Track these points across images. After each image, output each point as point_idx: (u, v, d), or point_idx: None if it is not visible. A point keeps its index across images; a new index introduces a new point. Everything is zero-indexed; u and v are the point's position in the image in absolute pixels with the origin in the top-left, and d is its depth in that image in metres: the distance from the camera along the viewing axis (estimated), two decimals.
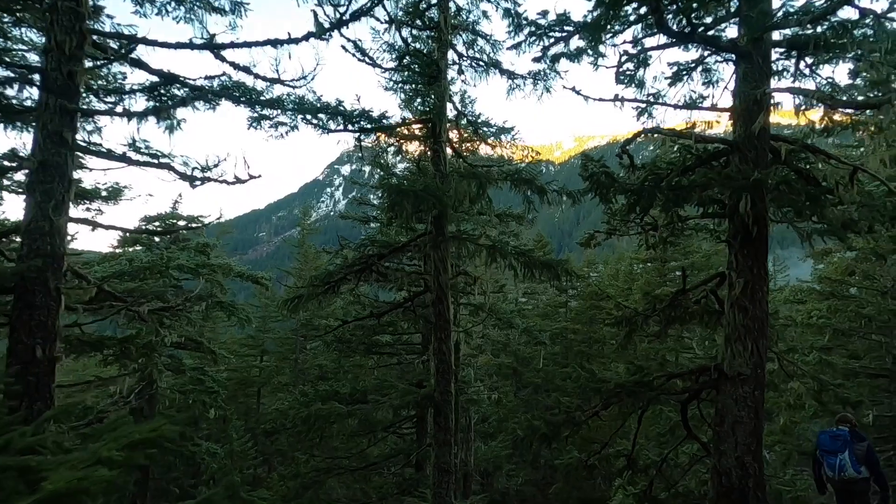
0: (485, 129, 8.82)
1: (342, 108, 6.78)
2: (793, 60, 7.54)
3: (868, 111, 6.04)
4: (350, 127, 7.14)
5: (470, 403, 16.53)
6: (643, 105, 7.80)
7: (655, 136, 7.24)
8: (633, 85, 7.57)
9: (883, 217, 6.96)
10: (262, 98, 6.68)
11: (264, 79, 5.63)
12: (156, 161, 5.51)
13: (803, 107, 7.69)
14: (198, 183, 6.27)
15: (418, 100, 7.98)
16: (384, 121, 7.48)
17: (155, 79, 5.81)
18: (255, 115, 6.92)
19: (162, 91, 5.58)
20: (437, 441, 7.79)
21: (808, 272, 22.00)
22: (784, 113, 7.25)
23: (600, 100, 7.42)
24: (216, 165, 6.26)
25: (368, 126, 7.43)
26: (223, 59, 5.31)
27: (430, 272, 8.01)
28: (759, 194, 6.62)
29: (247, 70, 5.36)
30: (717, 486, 7.04)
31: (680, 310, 7.85)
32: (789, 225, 7.06)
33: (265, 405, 28.89)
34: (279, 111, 7.01)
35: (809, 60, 7.35)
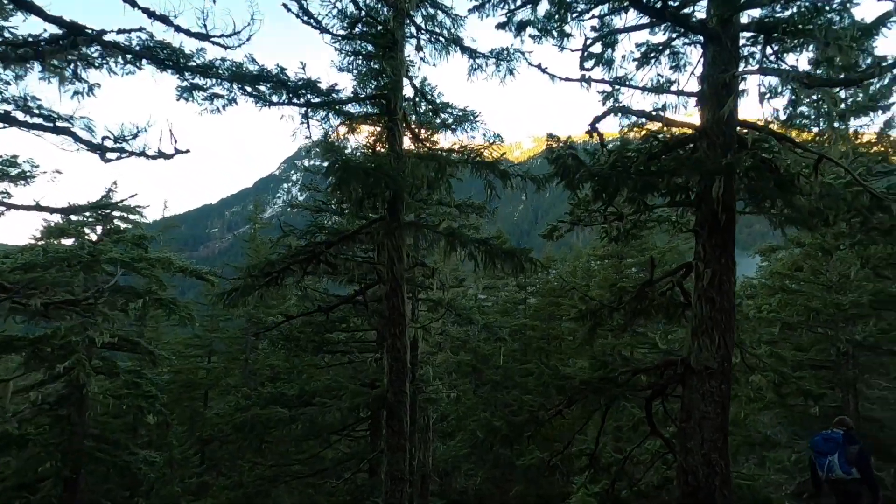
0: (446, 112, 8.25)
1: (285, 78, 6.04)
2: (759, 47, 7.38)
3: (845, 89, 5.88)
4: (295, 100, 6.40)
5: (428, 402, 15.97)
6: (610, 88, 7.45)
7: (623, 119, 6.89)
8: (601, 63, 7.19)
9: (844, 207, 6.90)
10: (191, 63, 5.84)
11: (188, 33, 4.82)
12: (51, 125, 4.58)
13: (769, 95, 7.57)
14: (112, 157, 5.38)
15: (372, 75, 7.28)
16: (333, 94, 6.75)
17: (56, 30, 4.88)
18: (186, 83, 6.06)
19: (65, 42, 4.66)
20: (390, 446, 7.15)
21: (753, 270, 22.75)
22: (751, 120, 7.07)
23: (567, 79, 7.00)
24: (134, 136, 5.38)
25: (316, 100, 6.69)
26: (134, 4, 4.47)
27: (384, 262, 7.38)
28: (729, 180, 6.39)
29: (165, 20, 4.54)
30: (683, 485, 6.77)
31: (645, 302, 7.56)
32: (764, 213, 6.86)
33: (213, 408, 27.26)
34: (213, 80, 6.19)
35: (776, 47, 7.19)
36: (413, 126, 8.03)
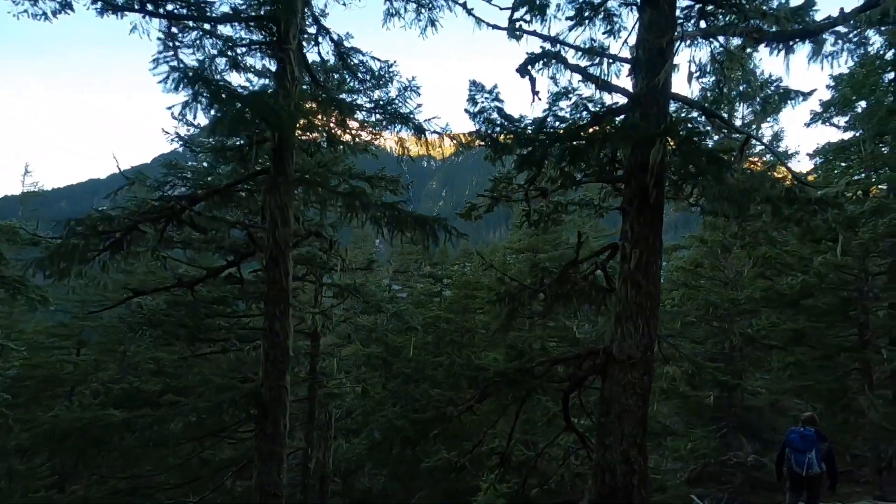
0: (355, 58, 6.99)
1: None
2: (693, 21, 6.99)
3: (797, 43, 5.51)
4: (150, 6, 4.82)
5: (330, 398, 14.55)
6: (541, 45, 6.65)
7: (555, 70, 6.11)
8: (533, 12, 6.35)
9: (766, 190, 6.71)
10: None
11: None
12: None
13: (698, 73, 7.22)
14: None
15: None
16: (205, 6, 5.22)
17: None
18: None
19: None
20: (262, 454, 5.77)
21: None
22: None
23: (495, 27, 6.10)
24: None
25: (181, 11, 5.14)
26: None
27: (266, 226, 6.00)
28: (664, 150, 5.83)
29: None
30: (600, 484, 6.18)
31: (567, 286, 6.90)
32: (696, 188, 6.42)
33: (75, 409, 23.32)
34: None
35: (710, 22, 6.82)
36: (314, 70, 6.67)
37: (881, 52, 14.43)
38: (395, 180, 9.17)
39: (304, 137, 7.24)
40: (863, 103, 13.55)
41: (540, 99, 6.48)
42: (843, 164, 14.14)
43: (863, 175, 11.28)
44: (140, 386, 7.61)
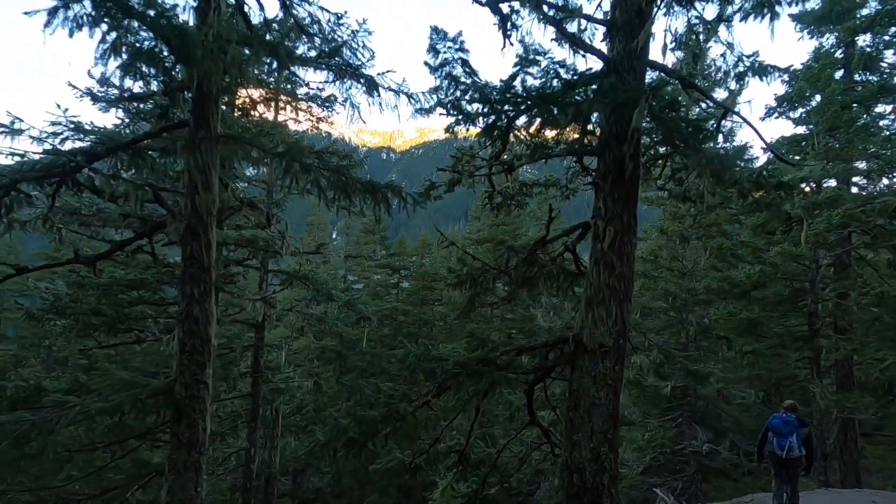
0: (303, 8, 6.07)
1: None
2: None
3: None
4: None
5: (277, 394, 13.51)
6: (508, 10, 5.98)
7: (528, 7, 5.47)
8: None
9: (739, 169, 6.40)
10: None
11: None
12: None
13: (674, 45, 6.78)
14: None
15: None
16: None
17: None
18: None
19: None
20: (174, 465, 4.84)
21: None
22: None
23: None
24: None
25: None
26: None
27: (184, 190, 5.06)
28: (641, 117, 5.31)
29: None
30: (567, 485, 5.65)
31: (535, 269, 6.31)
32: (672, 161, 5.96)
33: None
34: None
35: None
36: (249, 16, 5.69)
37: (832, 50, 14.77)
38: (347, 156, 8.30)
39: (239, 99, 6.28)
40: (818, 97, 13.75)
41: (512, 44, 5.84)
42: (796, 158, 14.35)
43: (816, 167, 11.37)
44: (41, 384, 6.45)
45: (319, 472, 19.61)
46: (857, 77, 14.72)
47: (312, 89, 8.28)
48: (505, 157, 7.47)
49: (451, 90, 5.46)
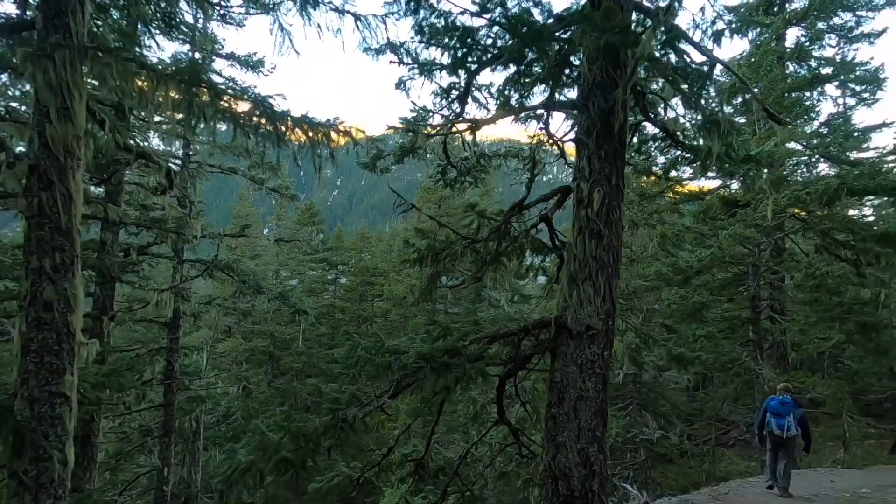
0: None
1: None
2: None
3: None
4: None
5: (196, 402, 11.73)
6: None
7: None
8: None
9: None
10: None
11: None
12: None
13: None
14: None
15: None
16: None
17: None
18: None
19: None
20: None
21: None
22: None
23: None
24: None
25: None
26: None
27: (32, 122, 3.59)
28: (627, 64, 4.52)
29: None
30: (551, 494, 4.77)
31: (507, 242, 5.37)
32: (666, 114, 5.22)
33: None
34: None
35: None
36: None
37: (770, 41, 15.16)
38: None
39: None
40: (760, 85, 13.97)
41: None
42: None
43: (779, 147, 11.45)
44: None
45: (249, 488, 17.66)
46: (790, 67, 15.22)
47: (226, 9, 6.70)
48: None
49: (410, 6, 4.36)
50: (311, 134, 4.21)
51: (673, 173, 14.31)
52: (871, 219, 17.65)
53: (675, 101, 6.90)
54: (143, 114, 8.99)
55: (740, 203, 14.09)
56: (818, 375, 13.74)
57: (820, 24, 15.02)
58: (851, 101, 16.48)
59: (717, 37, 6.51)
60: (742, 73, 14.36)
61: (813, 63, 14.84)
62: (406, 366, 4.56)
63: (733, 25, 6.43)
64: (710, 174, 17.05)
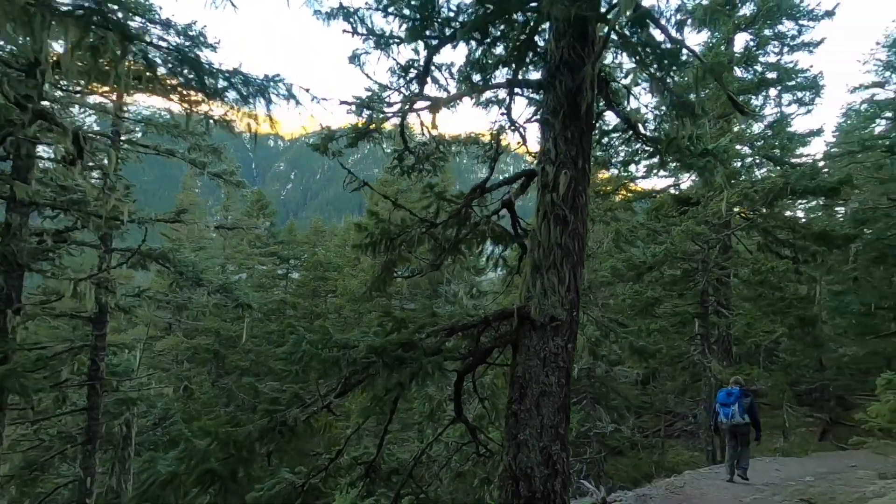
0: None
1: None
2: None
3: None
4: None
5: (125, 405, 10.72)
6: None
7: None
8: None
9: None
10: None
11: None
12: None
13: None
14: None
15: None
16: None
17: None
18: None
19: None
20: None
21: None
22: None
23: None
24: None
25: None
26: None
27: None
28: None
29: None
30: (513, 496, 4.47)
31: (468, 228, 5.03)
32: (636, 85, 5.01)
33: None
34: None
35: None
36: None
37: (720, 44, 15.62)
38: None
39: None
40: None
41: None
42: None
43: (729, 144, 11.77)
44: None
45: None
46: (737, 71, 15.74)
47: None
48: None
49: None
50: (244, 92, 3.69)
51: (631, 167, 14.51)
52: (803, 220, 18.67)
53: (639, 91, 6.81)
54: (63, 81, 8.02)
55: (691, 201, 14.46)
56: (758, 368, 14.29)
57: (766, 31, 15.63)
58: (792, 108, 17.31)
59: (681, 26, 6.41)
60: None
61: (759, 68, 15.41)
62: (356, 361, 4.13)
63: (695, 16, 6.37)
64: (662, 173, 17.46)
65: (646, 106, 7.47)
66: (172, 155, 10.43)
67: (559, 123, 4.70)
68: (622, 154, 9.69)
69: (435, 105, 5.53)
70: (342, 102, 5.56)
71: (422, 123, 6.74)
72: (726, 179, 10.75)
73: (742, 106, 5.53)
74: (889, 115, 16.87)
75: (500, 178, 5.52)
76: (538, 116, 4.97)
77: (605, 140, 8.19)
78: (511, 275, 6.15)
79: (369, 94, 6.66)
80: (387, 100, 6.39)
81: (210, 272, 11.47)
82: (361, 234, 5.03)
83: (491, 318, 4.68)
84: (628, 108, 7.09)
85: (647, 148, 8.02)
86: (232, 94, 3.62)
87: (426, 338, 4.45)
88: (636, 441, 16.20)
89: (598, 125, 7.07)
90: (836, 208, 21.15)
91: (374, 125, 6.42)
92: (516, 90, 6.15)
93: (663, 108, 7.09)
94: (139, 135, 10.50)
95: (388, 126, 6.72)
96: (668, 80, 4.72)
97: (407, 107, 6.05)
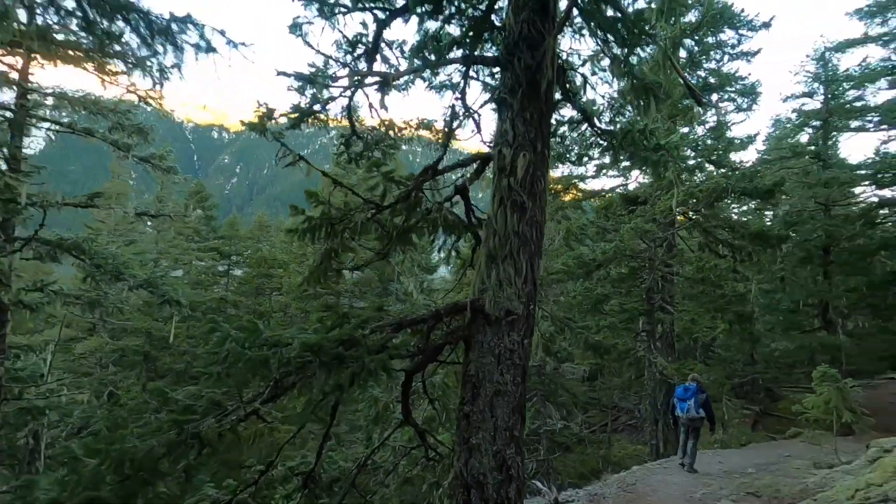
0: None
1: None
2: None
3: None
4: None
5: (32, 414, 9.49)
6: None
7: None
8: None
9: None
10: None
11: None
12: None
13: None
14: None
15: None
16: None
17: None
18: None
19: None
20: None
21: None
22: None
23: None
24: None
25: None
26: None
27: None
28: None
29: None
30: None
31: (418, 215, 4.61)
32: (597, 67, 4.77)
33: None
34: None
35: None
36: None
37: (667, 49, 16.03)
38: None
39: None
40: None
41: None
42: None
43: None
44: None
45: None
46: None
47: None
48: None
49: None
50: (146, 35, 3.08)
51: (582, 170, 14.59)
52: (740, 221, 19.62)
53: (596, 80, 6.65)
54: None
55: (639, 200, 14.74)
56: (698, 363, 14.77)
57: (709, 39, 16.23)
58: (731, 116, 18.11)
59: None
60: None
61: (702, 73, 15.96)
62: (290, 361, 3.63)
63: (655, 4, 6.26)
64: (612, 173, 17.77)
65: (602, 97, 7.36)
66: (91, 135, 9.35)
67: (517, 103, 4.38)
68: (576, 149, 9.63)
69: (385, 81, 5.08)
70: (280, 73, 5.00)
71: (370, 106, 6.26)
72: (676, 175, 10.95)
73: (699, 94, 5.45)
74: (816, 124, 17.97)
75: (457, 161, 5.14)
76: (495, 96, 4.62)
77: (561, 131, 8.03)
78: (465, 268, 5.80)
79: (313, 69, 6.12)
80: (333, 75, 5.87)
81: (137, 267, 10.40)
82: (298, 219, 4.50)
83: (442, 311, 4.30)
84: (584, 100, 6.94)
85: (602, 142, 7.92)
86: (134, 41, 3.02)
87: (370, 334, 4.00)
88: (583, 437, 16.37)
89: (554, 116, 6.87)
90: (766, 212, 22.46)
91: (319, 104, 5.89)
92: (472, 73, 5.83)
93: (620, 100, 7.01)
94: (51, 112, 9.34)
95: (334, 108, 6.21)
96: (631, 61, 4.52)
97: (356, 81, 5.57)
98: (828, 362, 15.35)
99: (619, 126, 7.03)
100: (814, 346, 15.69)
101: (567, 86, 5.75)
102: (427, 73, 5.89)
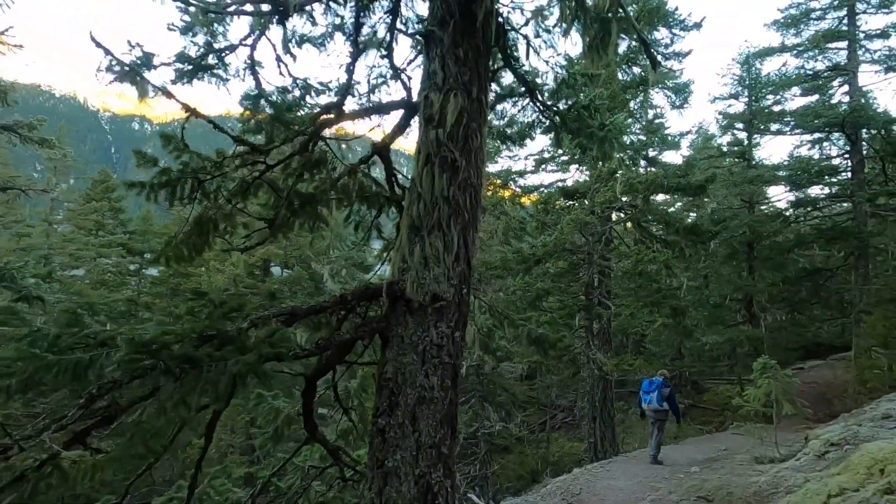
0: None
1: None
2: None
3: None
4: None
5: None
6: None
7: None
8: None
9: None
10: None
11: None
12: None
13: None
14: None
15: None
16: None
17: None
18: None
19: None
20: None
21: None
22: None
23: None
24: None
25: None
26: None
27: None
28: None
29: None
30: None
31: (328, 184, 3.63)
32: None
33: None
34: None
35: None
36: None
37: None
38: None
39: None
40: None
41: None
42: None
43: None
44: None
45: None
46: (618, 74, 16.25)
47: None
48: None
49: None
50: None
51: (519, 164, 14.05)
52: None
53: (540, 43, 5.96)
54: None
55: (578, 194, 14.47)
56: (636, 358, 14.72)
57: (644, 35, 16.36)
58: (668, 115, 18.44)
59: None
60: (579, 71, 14.86)
61: (637, 69, 16.02)
62: (119, 365, 2.54)
63: None
64: (551, 167, 17.48)
65: (547, 62, 6.73)
66: None
67: (448, 38, 3.52)
68: (516, 127, 9.05)
69: (285, 12, 4.04)
70: (170, 29, 3.82)
71: (278, 58, 5.17)
72: (621, 161, 10.63)
73: (654, 56, 4.86)
74: (740, 126, 18.70)
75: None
76: (421, 28, 3.73)
77: (501, 107, 7.32)
78: (388, 249, 4.86)
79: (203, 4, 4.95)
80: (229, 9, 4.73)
81: (22, 265, 8.40)
82: (148, 164, 3.35)
83: (350, 297, 3.35)
84: (527, 67, 6.26)
85: (545, 119, 7.30)
86: None
87: (249, 328, 2.97)
88: (522, 437, 15.90)
89: (492, 87, 6.12)
90: (691, 213, 23.28)
91: (214, 49, 4.77)
92: (399, 25, 4.91)
93: (567, 66, 6.38)
94: None
95: (233, 60, 5.08)
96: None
97: (259, 23, 4.48)
98: (750, 354, 15.95)
99: (563, 101, 6.46)
100: (740, 339, 16.16)
101: (508, 51, 5.02)
102: (346, 15, 4.91)
